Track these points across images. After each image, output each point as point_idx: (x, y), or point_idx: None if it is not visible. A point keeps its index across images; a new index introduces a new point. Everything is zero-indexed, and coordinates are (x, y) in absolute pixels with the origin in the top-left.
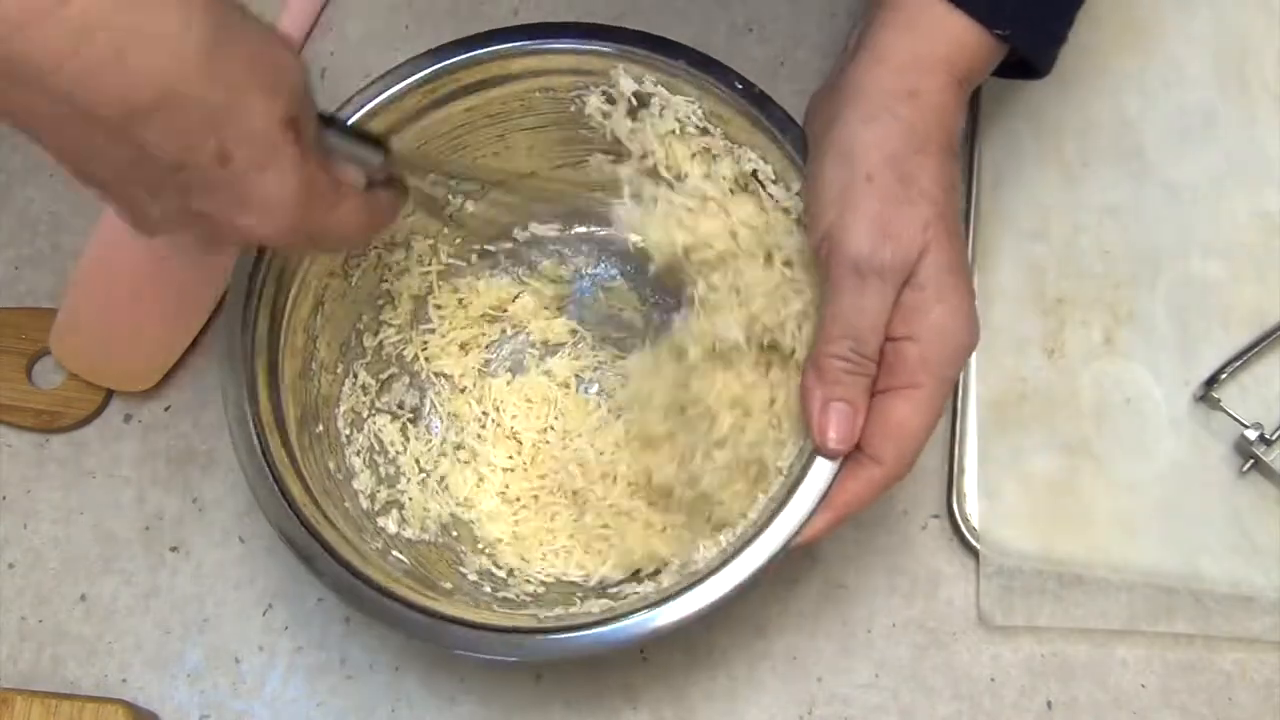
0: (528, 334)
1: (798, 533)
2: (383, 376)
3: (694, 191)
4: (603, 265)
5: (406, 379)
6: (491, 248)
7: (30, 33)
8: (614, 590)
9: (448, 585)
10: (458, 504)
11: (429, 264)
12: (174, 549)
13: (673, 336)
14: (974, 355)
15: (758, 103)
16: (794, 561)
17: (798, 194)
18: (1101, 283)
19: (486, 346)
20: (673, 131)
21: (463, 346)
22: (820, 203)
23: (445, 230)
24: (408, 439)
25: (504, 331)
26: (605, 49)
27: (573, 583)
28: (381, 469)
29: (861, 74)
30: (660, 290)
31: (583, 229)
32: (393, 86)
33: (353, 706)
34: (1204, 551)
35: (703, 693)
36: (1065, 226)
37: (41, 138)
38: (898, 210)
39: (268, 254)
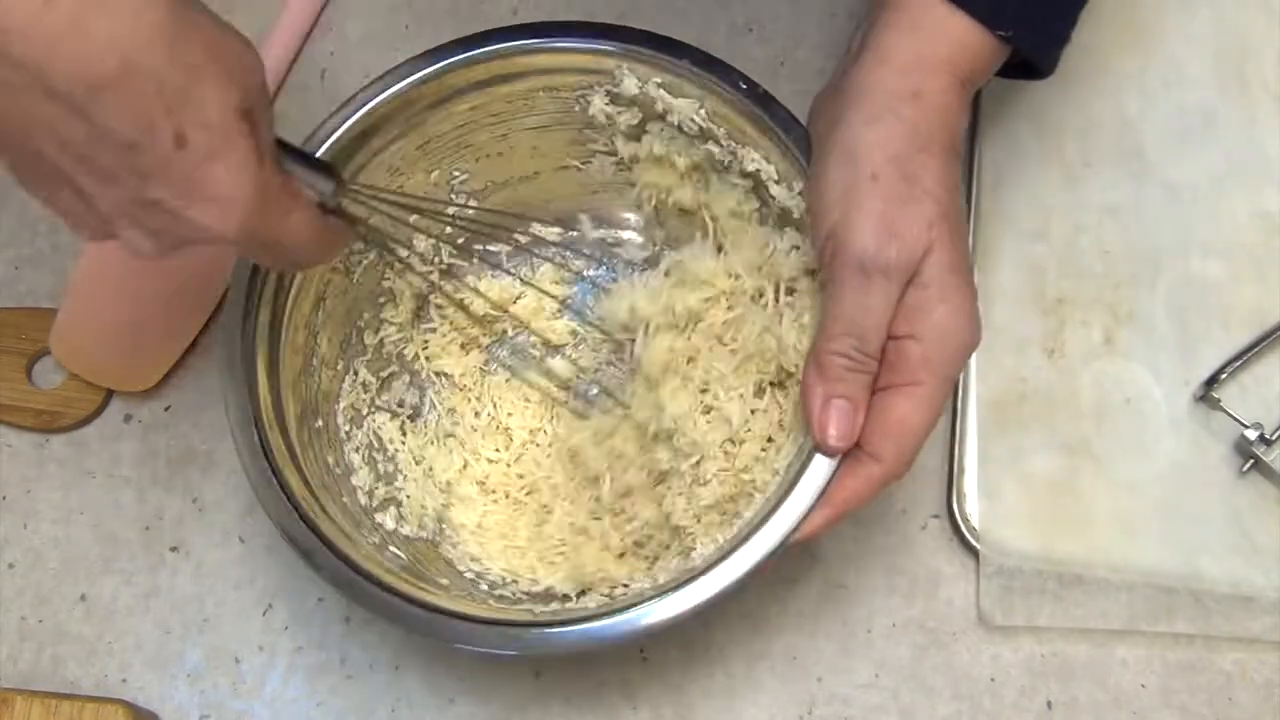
0: (528, 334)
1: (796, 529)
2: (383, 374)
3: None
4: (604, 267)
5: (407, 377)
6: (493, 248)
7: None
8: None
9: (444, 581)
10: (440, 489)
11: (431, 263)
12: (174, 549)
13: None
14: (974, 355)
15: (761, 103)
16: (793, 561)
17: (800, 194)
18: (1102, 283)
19: (487, 346)
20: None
21: (463, 346)
22: (824, 202)
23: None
24: (406, 436)
25: (505, 331)
26: (608, 48)
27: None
28: (380, 466)
29: (865, 75)
30: None
31: (584, 230)
32: (393, 86)
33: (353, 706)
34: (1204, 551)
35: (702, 691)
36: (1066, 226)
37: None
38: (902, 209)
39: None
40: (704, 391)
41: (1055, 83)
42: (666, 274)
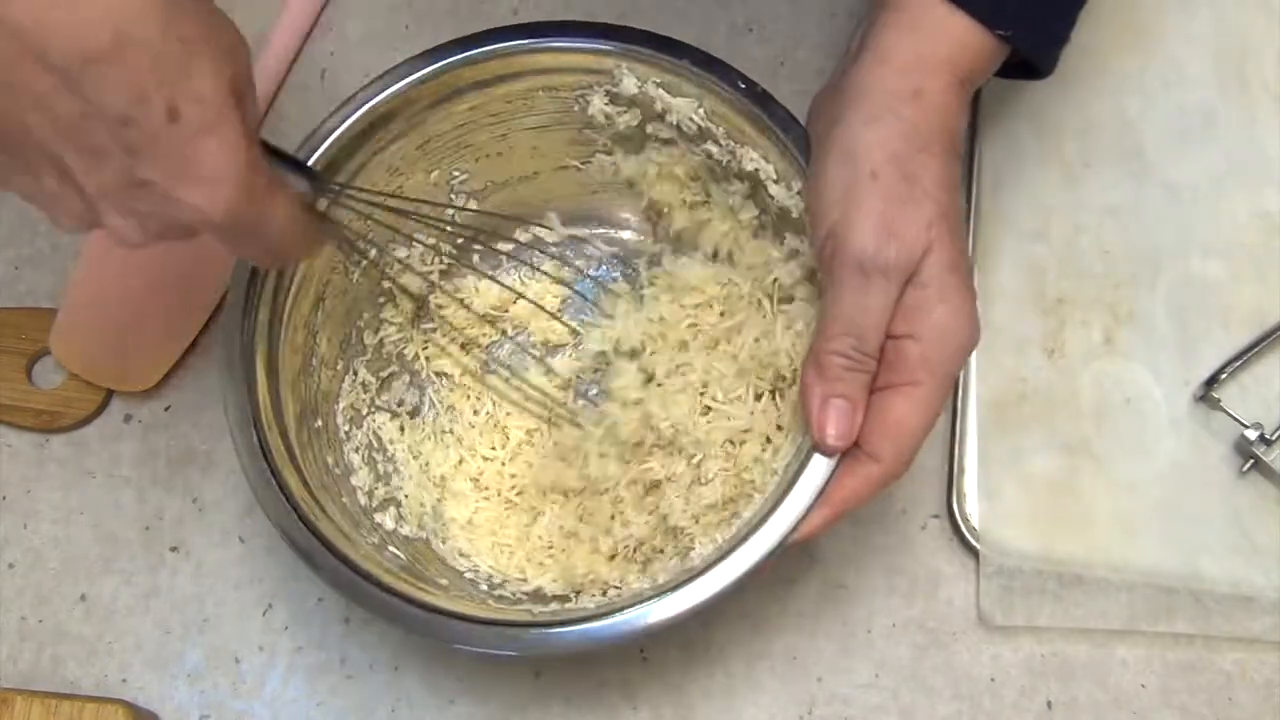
0: (528, 334)
1: (794, 529)
2: (383, 374)
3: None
4: (604, 267)
5: (407, 377)
6: (494, 247)
7: None
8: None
9: (444, 581)
10: (435, 483)
11: (431, 263)
12: (174, 549)
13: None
14: (974, 355)
15: (760, 102)
16: (793, 561)
17: (799, 194)
18: (1101, 283)
19: (487, 346)
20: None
21: (463, 346)
22: (823, 202)
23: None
24: (404, 433)
25: (505, 332)
26: (607, 48)
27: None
28: (379, 466)
29: (864, 75)
30: None
31: (584, 230)
32: (392, 86)
33: (353, 706)
34: (1204, 551)
35: (701, 691)
36: (1065, 226)
37: None
38: (901, 209)
39: None
40: (702, 394)
41: (1055, 83)
42: (653, 283)
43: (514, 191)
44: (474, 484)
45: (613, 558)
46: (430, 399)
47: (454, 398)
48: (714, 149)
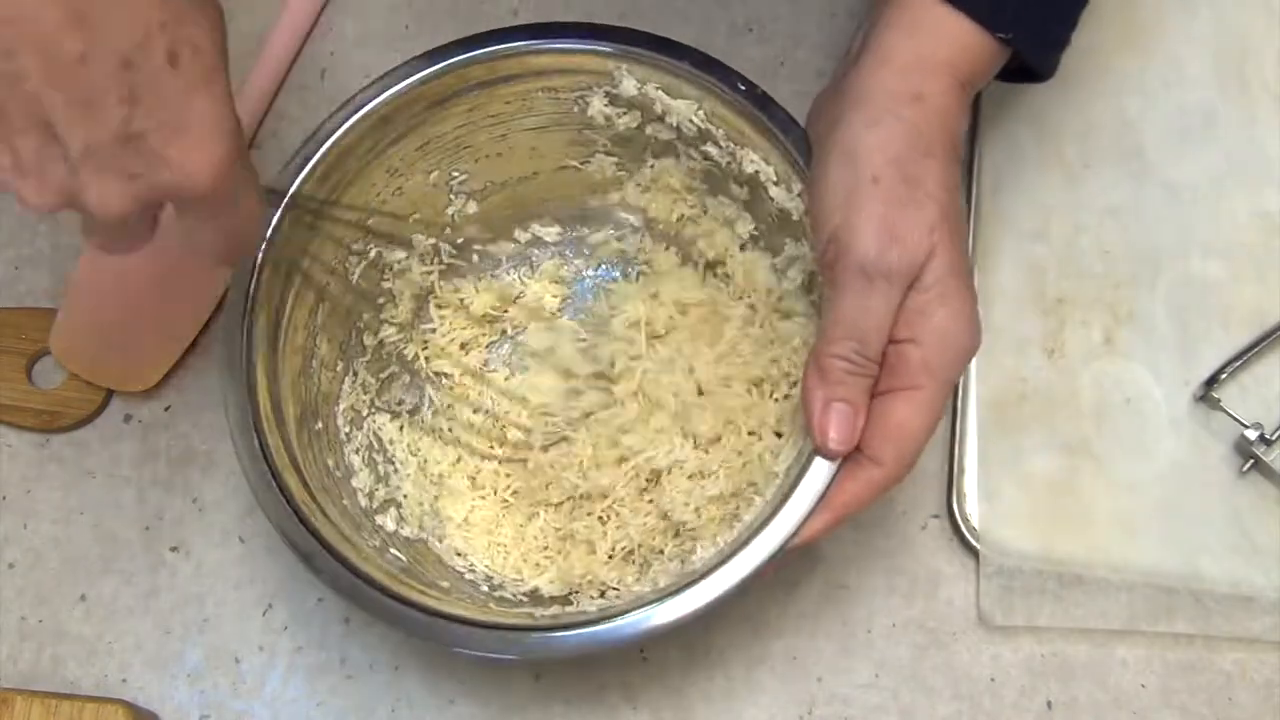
0: (529, 334)
1: (796, 533)
2: (383, 375)
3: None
4: (604, 266)
5: (407, 378)
6: (493, 248)
7: None
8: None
9: (445, 584)
10: (432, 481)
11: (430, 263)
12: (174, 549)
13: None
14: None
15: (760, 104)
16: (794, 563)
17: (799, 196)
18: (1101, 283)
19: (487, 346)
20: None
21: (463, 346)
22: (825, 206)
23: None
24: (404, 432)
25: (504, 332)
26: (607, 49)
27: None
28: (380, 467)
29: (865, 76)
30: None
31: (584, 231)
32: (393, 86)
33: (353, 706)
34: (1204, 551)
35: (701, 693)
36: (1066, 227)
37: None
38: (904, 213)
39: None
40: (702, 395)
41: (1055, 84)
42: (647, 289)
43: (513, 192)
44: (471, 483)
45: (610, 559)
46: (430, 398)
47: (454, 397)
48: (714, 151)
